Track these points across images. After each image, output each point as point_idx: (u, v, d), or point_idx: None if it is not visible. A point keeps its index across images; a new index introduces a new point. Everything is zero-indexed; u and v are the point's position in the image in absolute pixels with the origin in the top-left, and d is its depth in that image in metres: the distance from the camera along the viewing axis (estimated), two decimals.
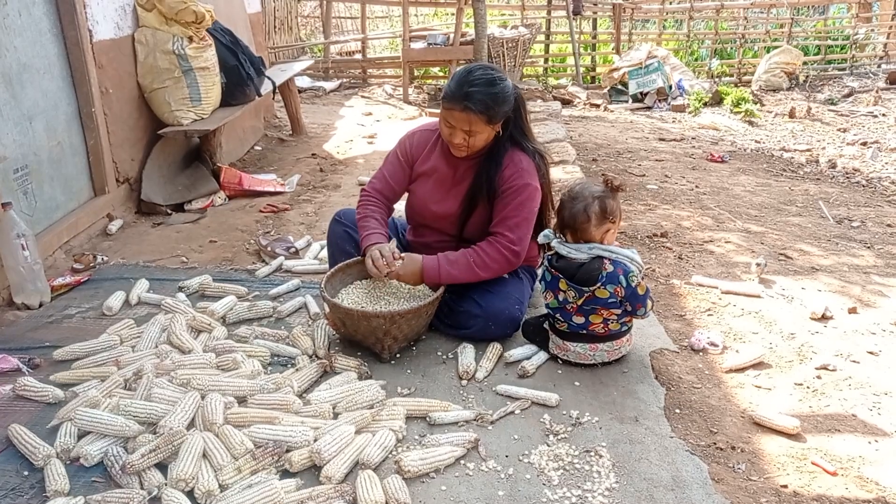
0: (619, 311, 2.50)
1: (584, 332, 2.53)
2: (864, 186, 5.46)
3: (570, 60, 10.45)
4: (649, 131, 7.47)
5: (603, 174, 2.65)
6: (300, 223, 4.19)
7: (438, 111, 2.67)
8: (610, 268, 2.45)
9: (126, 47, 4.30)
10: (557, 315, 2.56)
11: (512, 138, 2.67)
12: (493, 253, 2.62)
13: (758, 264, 3.42)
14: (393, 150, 2.89)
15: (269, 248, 3.64)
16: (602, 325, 2.52)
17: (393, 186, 2.83)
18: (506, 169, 2.64)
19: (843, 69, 11.06)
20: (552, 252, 2.57)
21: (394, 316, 2.46)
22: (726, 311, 3.10)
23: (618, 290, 2.44)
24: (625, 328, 2.58)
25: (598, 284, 2.43)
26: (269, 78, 5.53)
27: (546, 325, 2.66)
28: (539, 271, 2.70)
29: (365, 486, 1.88)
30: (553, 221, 2.84)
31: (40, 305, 3.06)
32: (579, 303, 2.48)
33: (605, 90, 9.51)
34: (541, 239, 2.64)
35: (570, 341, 2.55)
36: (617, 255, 2.47)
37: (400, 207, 3.11)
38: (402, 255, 2.64)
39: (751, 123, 7.88)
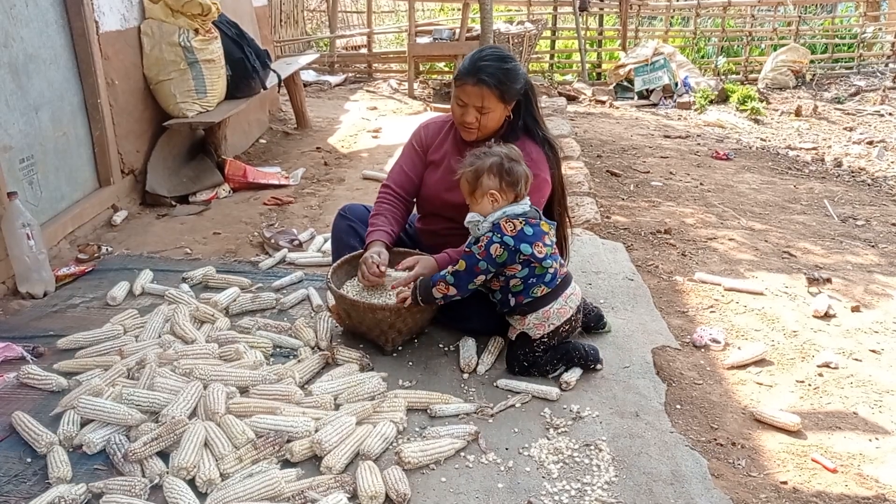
0: None
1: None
2: (869, 185, 5.45)
3: (576, 57, 10.42)
4: (654, 128, 7.45)
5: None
6: (304, 216, 4.20)
7: (443, 106, 2.68)
8: None
9: (132, 39, 4.30)
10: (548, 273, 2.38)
11: (524, 126, 2.68)
12: None
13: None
14: (408, 141, 2.90)
15: (272, 241, 3.65)
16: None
17: (412, 178, 2.82)
18: None
19: (851, 68, 11.00)
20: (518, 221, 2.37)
21: (400, 309, 2.47)
22: (729, 308, 3.09)
23: None
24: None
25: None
26: (274, 71, 5.54)
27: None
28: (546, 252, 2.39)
29: (365, 477, 1.89)
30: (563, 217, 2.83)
31: (45, 295, 3.08)
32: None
33: (611, 87, 9.48)
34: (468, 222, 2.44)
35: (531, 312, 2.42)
36: None
37: None
38: (416, 258, 2.61)
39: (756, 121, 7.85)
